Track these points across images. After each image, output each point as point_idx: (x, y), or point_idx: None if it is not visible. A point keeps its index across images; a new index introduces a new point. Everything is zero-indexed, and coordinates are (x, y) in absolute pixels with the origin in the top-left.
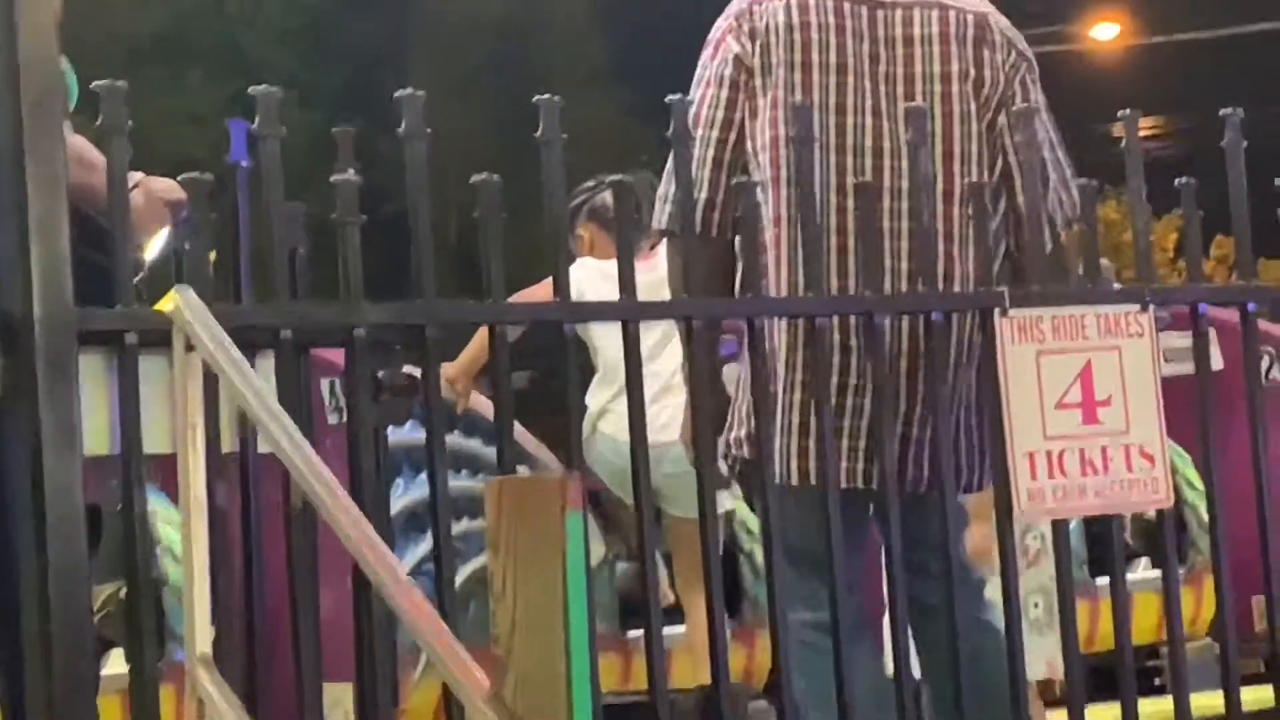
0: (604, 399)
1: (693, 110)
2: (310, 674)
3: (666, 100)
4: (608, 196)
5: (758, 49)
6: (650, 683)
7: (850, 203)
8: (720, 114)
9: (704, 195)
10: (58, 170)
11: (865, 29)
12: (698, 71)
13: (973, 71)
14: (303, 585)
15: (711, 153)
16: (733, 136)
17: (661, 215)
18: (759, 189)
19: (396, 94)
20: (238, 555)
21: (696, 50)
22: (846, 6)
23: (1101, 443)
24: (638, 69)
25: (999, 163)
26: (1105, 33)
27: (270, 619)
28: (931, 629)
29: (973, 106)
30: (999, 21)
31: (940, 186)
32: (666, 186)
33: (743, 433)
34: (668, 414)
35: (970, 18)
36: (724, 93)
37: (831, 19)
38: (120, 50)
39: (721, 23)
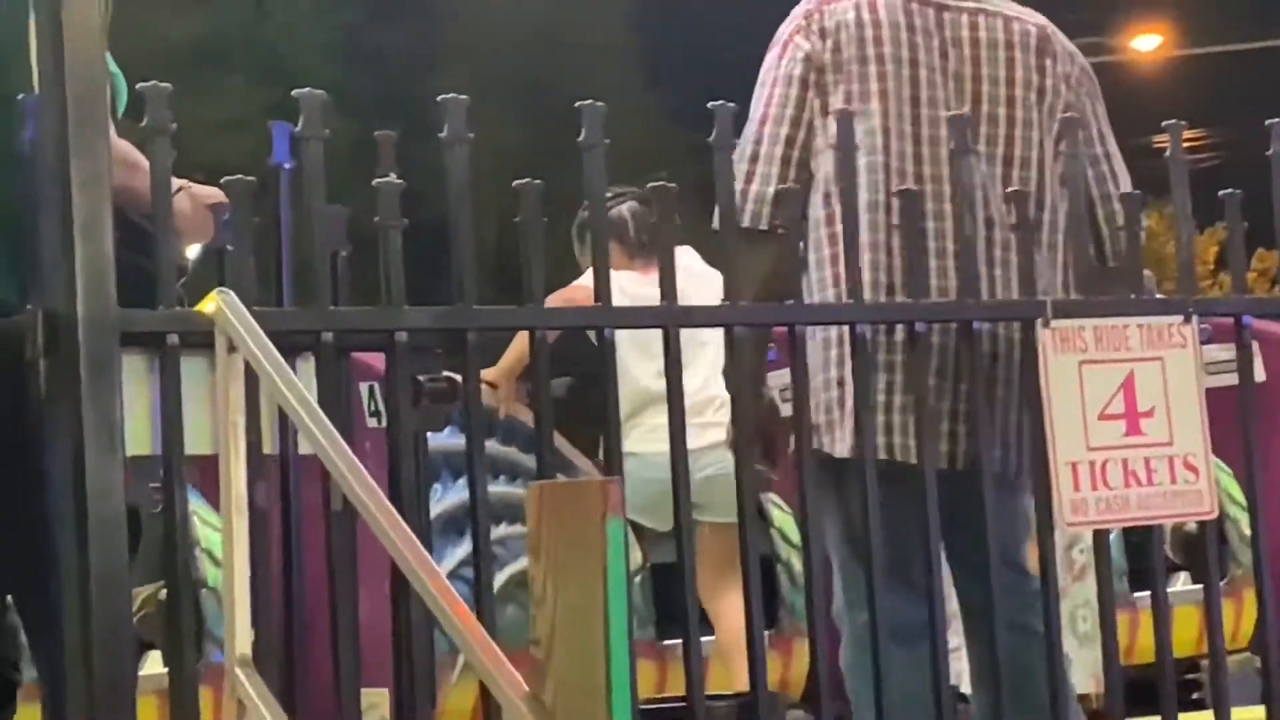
0: (621, 419)
1: (759, 109)
2: (349, 677)
3: (709, 106)
4: (623, 209)
5: (829, 46)
6: (688, 689)
7: (926, 189)
8: (790, 111)
9: (771, 190)
10: (102, 170)
11: (934, 28)
12: (762, 73)
13: (1035, 79)
14: (342, 588)
15: (780, 150)
16: (801, 135)
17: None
18: (824, 182)
19: (440, 98)
20: (277, 557)
21: (731, 56)
22: (914, 6)
23: (1145, 454)
24: (670, 75)
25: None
26: (1147, 44)
27: (309, 621)
28: (982, 632)
29: (1035, 114)
30: (1058, 33)
31: (1001, 189)
32: (744, 186)
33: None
34: (698, 428)
35: (1032, 29)
36: (793, 91)
37: (901, 18)
38: (160, 57)
39: (788, 25)
